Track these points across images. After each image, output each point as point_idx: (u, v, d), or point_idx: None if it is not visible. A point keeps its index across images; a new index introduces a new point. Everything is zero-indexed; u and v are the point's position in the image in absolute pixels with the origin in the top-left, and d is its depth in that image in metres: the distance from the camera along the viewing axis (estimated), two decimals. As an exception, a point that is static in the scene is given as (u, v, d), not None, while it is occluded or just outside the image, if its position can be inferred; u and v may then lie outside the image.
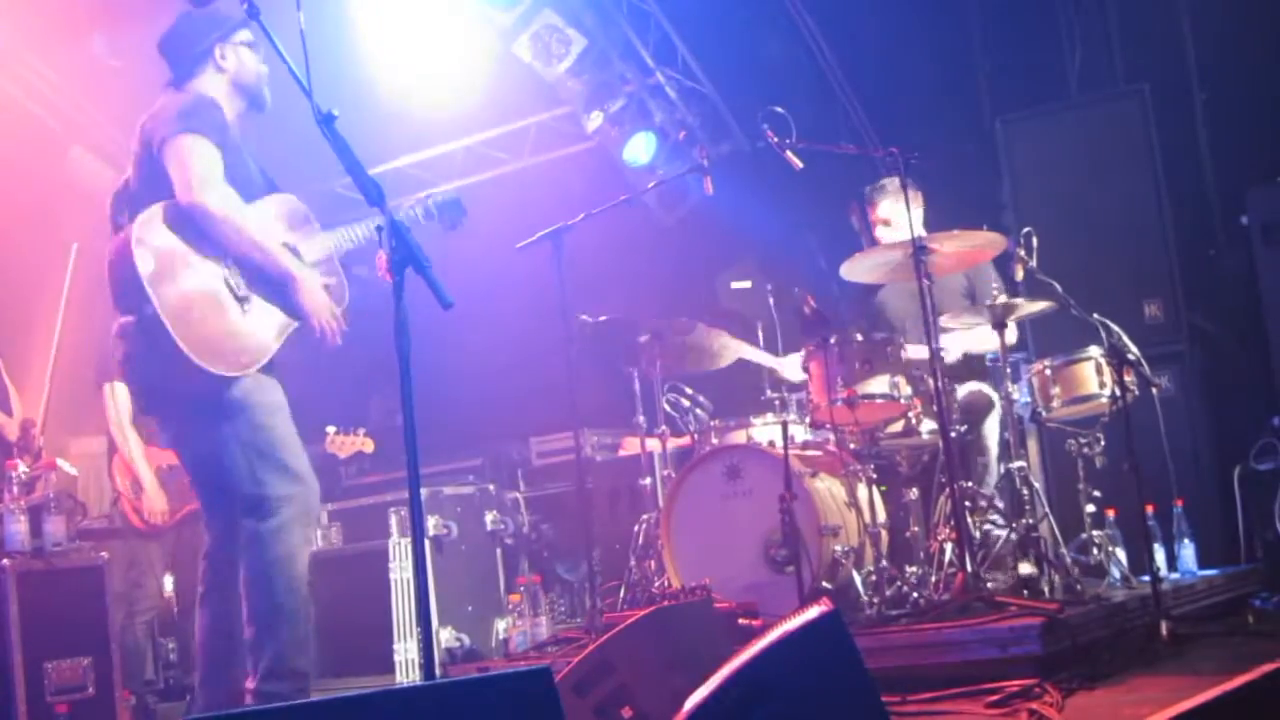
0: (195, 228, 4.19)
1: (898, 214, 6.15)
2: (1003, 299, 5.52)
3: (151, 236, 4.15)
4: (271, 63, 3.70)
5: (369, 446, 6.75)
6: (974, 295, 6.12)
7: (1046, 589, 5.07)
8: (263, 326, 4.33)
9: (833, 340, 5.54)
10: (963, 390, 5.85)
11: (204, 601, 4.48)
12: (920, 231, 5.37)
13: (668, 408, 6.38)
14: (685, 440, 6.64)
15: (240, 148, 4.43)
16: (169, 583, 6.75)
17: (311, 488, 4.46)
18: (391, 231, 3.31)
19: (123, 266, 4.11)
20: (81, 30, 7.35)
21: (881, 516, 5.54)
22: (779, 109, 5.53)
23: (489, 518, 7.06)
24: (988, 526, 5.49)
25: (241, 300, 4.26)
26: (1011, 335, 5.87)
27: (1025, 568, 5.17)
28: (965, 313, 5.70)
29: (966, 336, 5.96)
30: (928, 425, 5.57)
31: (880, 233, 6.20)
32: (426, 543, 3.98)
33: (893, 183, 6.18)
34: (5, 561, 5.24)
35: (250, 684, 4.28)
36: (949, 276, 5.97)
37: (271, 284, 4.32)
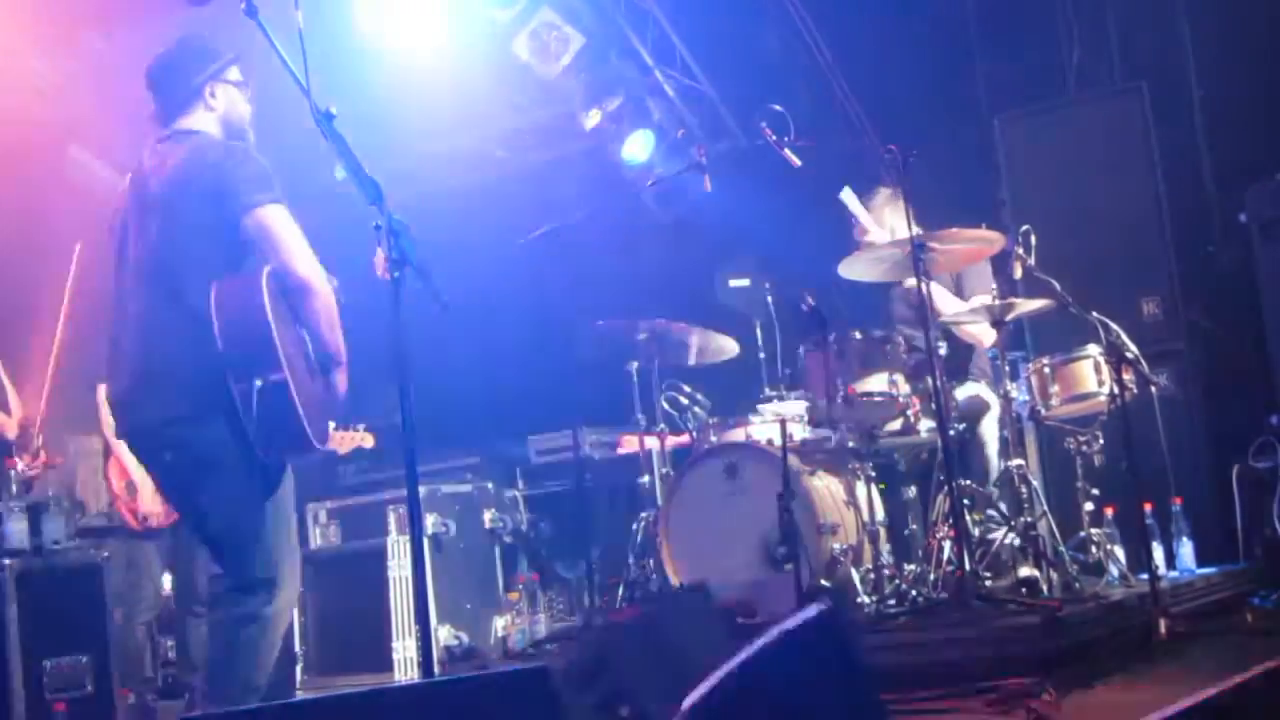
0: (295, 298, 4.13)
1: (871, 225, 6.16)
2: (995, 298, 5.52)
3: (273, 300, 4.05)
4: (270, 61, 3.69)
5: (369, 441, 6.73)
6: (961, 292, 6.12)
7: (1045, 587, 5.07)
8: (321, 400, 4.26)
9: (831, 338, 5.55)
10: (961, 394, 5.85)
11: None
12: (905, 234, 5.35)
13: (666, 406, 6.39)
14: (684, 438, 6.64)
15: None
16: (167, 581, 6.74)
17: (299, 577, 4.41)
18: (389, 231, 3.31)
19: (253, 328, 3.98)
20: (81, 29, 7.35)
21: (880, 515, 5.55)
22: (777, 107, 5.54)
23: (487, 516, 7.06)
24: (986, 525, 5.49)
25: (312, 371, 4.22)
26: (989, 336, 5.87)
27: (1024, 566, 5.18)
28: (963, 312, 5.70)
29: (944, 295, 5.94)
30: (926, 423, 5.58)
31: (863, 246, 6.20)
32: (425, 541, 3.96)
33: (873, 204, 6.19)
34: (5, 560, 5.24)
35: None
36: (936, 275, 5.97)
37: (324, 359, 4.25)
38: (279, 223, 4.13)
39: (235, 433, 4.02)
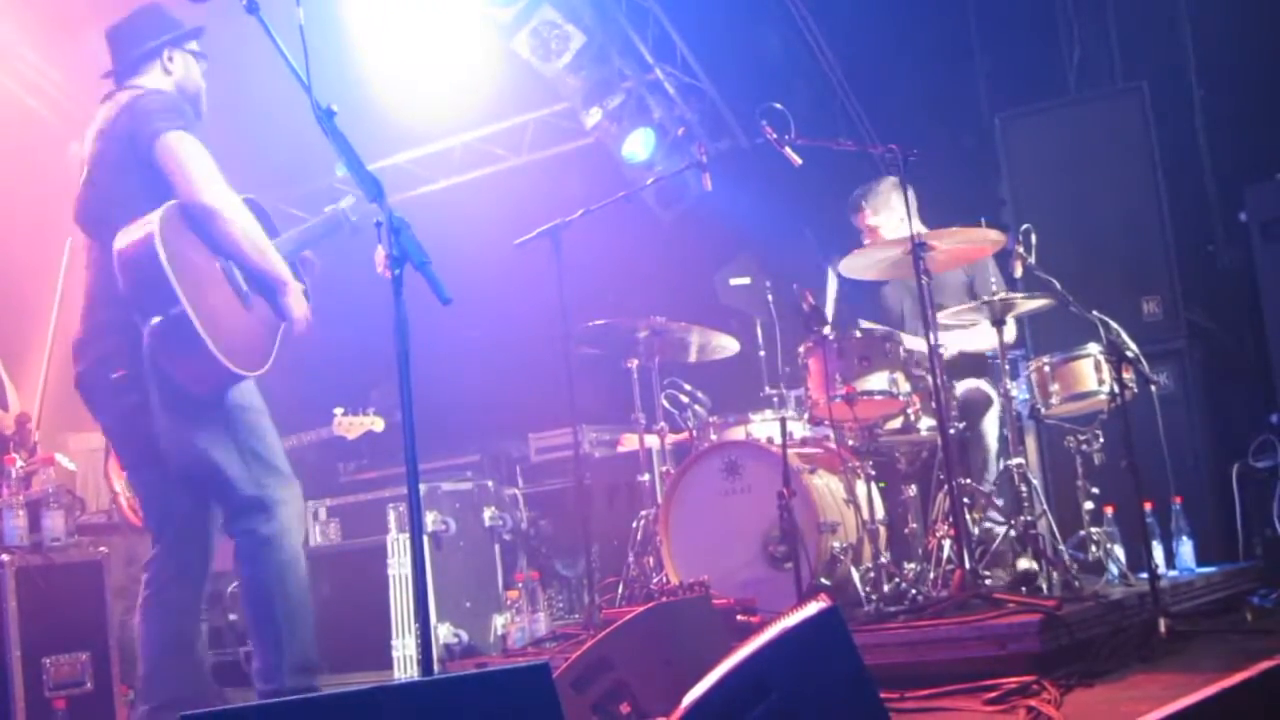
0: (203, 227, 4.17)
1: (882, 223, 6.18)
2: (1001, 294, 5.53)
3: (170, 236, 4.10)
4: (270, 59, 3.69)
5: (379, 425, 6.70)
6: (974, 291, 6.12)
7: (1045, 586, 5.07)
8: (263, 323, 4.34)
9: (831, 336, 5.55)
10: (961, 387, 5.86)
11: (148, 611, 4.43)
12: (919, 229, 5.36)
13: (666, 404, 6.39)
14: (684, 436, 6.64)
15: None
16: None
17: (299, 488, 4.50)
18: (390, 228, 3.31)
19: (146, 267, 4.04)
20: (79, 25, 7.34)
21: (880, 513, 5.54)
22: (778, 105, 5.53)
23: (487, 514, 7.06)
24: (986, 523, 5.50)
25: (244, 297, 4.26)
26: (1011, 333, 5.87)
27: (1023, 564, 5.18)
28: (965, 310, 5.70)
29: (963, 335, 5.97)
30: (926, 422, 5.58)
31: (867, 242, 6.21)
32: (425, 539, 3.97)
33: (874, 194, 6.20)
34: (4, 557, 5.24)
35: (267, 684, 4.30)
36: (949, 272, 5.98)
37: (264, 285, 4.32)
38: (181, 149, 4.16)
39: (155, 369, 4.11)
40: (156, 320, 4.04)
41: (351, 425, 6.65)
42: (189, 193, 4.14)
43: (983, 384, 5.95)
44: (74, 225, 4.49)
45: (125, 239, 4.12)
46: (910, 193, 5.41)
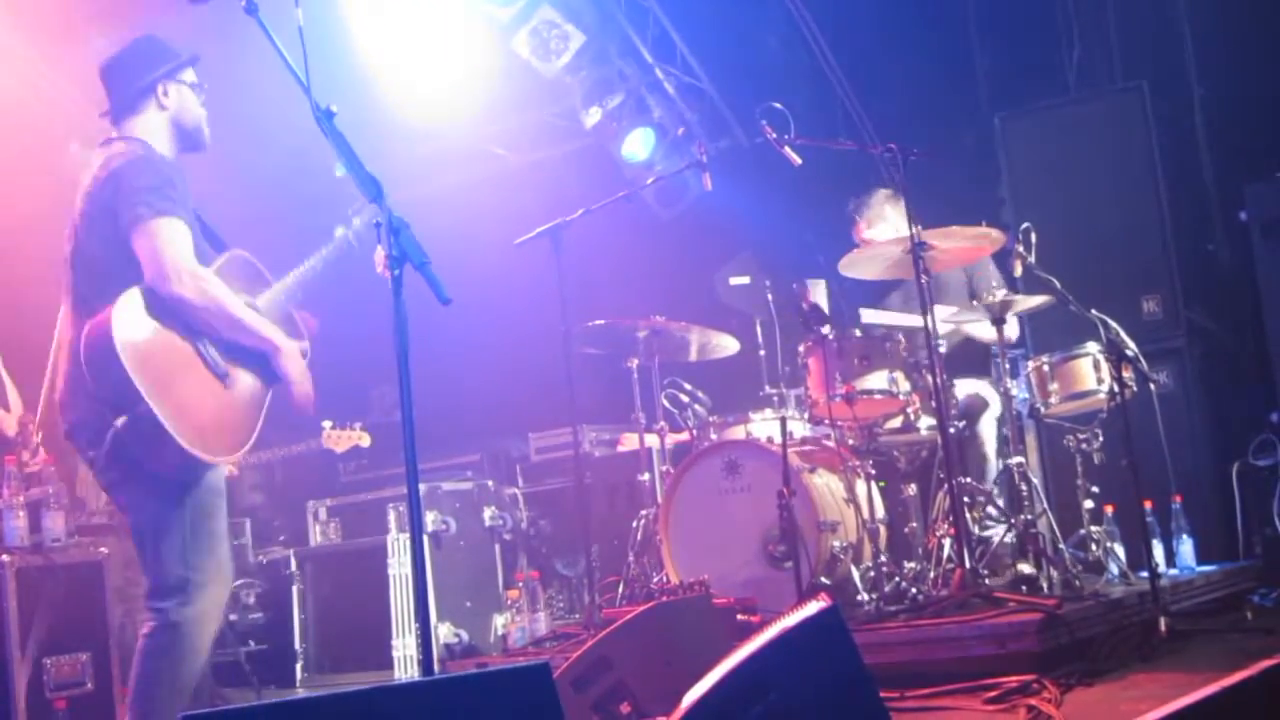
0: (174, 315, 4.08)
1: (876, 236, 6.18)
2: (1002, 294, 5.53)
3: (133, 327, 4.01)
4: (270, 59, 3.69)
5: (365, 440, 6.73)
6: (974, 290, 6.13)
7: (1045, 585, 5.08)
8: (244, 400, 4.22)
9: (831, 336, 5.55)
10: (961, 391, 5.85)
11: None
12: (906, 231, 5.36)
13: (666, 403, 6.39)
14: (684, 436, 6.64)
15: (193, 209, 4.32)
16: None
17: (230, 574, 4.39)
18: (390, 228, 3.31)
19: (106, 363, 3.95)
20: (81, 27, 7.34)
21: (880, 512, 5.55)
22: (777, 105, 5.53)
23: (487, 514, 7.07)
24: (986, 523, 5.50)
25: (222, 376, 4.14)
26: (1013, 330, 5.87)
27: (1023, 564, 5.19)
28: (965, 309, 5.71)
29: (970, 326, 5.97)
30: (926, 421, 5.58)
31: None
32: (425, 539, 3.96)
33: (868, 207, 6.21)
34: (4, 557, 5.23)
35: None
36: (949, 272, 5.98)
37: (246, 356, 4.22)
38: (160, 237, 4.06)
39: (146, 462, 4.02)
40: (121, 420, 3.96)
41: (340, 439, 6.65)
42: (158, 281, 4.02)
43: (981, 390, 5.95)
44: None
45: (89, 334, 4.02)
46: (903, 201, 5.41)
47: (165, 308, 4.06)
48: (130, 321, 4.01)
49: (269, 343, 4.23)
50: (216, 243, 4.42)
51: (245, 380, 4.23)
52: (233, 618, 6.94)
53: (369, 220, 4.22)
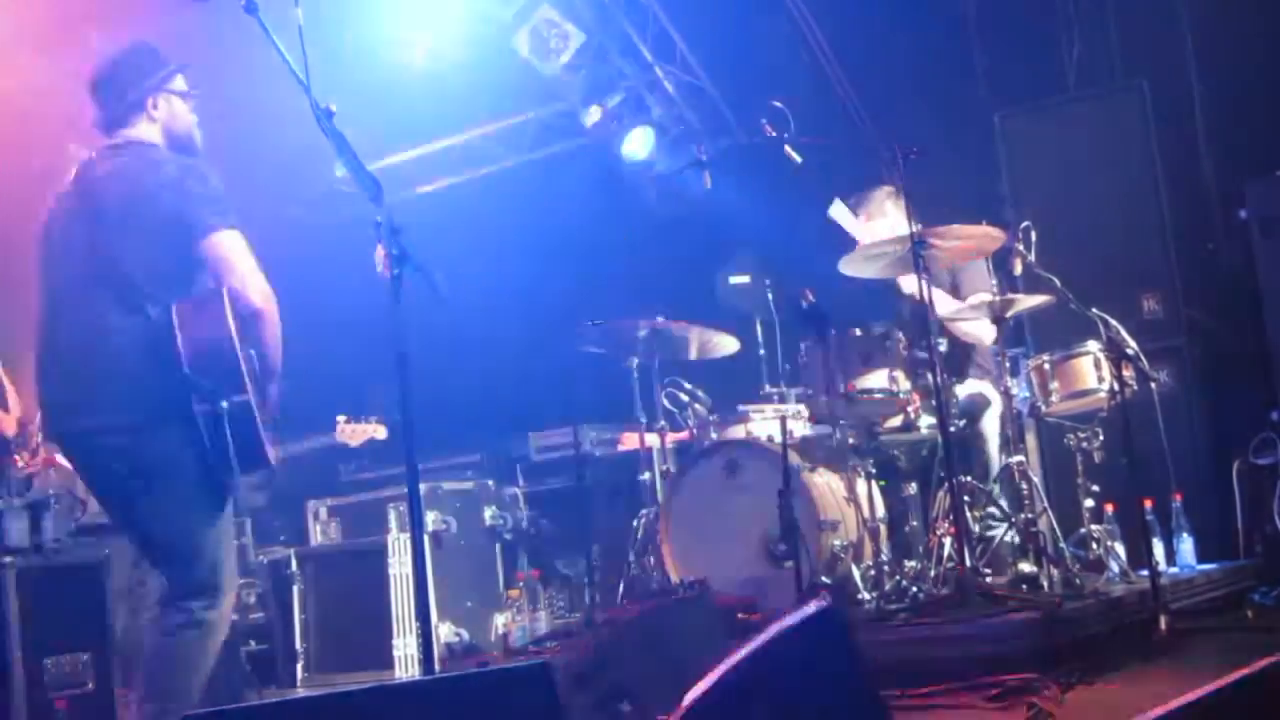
0: (245, 322, 4.17)
1: (875, 229, 6.17)
2: (996, 295, 5.52)
3: (235, 325, 4.12)
4: (270, 59, 3.69)
5: (381, 433, 6.71)
6: (958, 289, 6.12)
7: (1045, 584, 5.07)
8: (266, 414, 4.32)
9: (831, 335, 5.55)
10: (962, 391, 5.85)
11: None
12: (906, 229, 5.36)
13: (667, 403, 6.39)
14: (684, 435, 6.64)
15: None
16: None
17: (236, 584, 4.51)
18: (389, 228, 3.31)
19: (220, 351, 4.04)
20: (79, 26, 7.34)
21: (880, 511, 5.55)
22: (778, 103, 5.53)
23: (488, 513, 7.07)
24: (987, 521, 5.50)
25: (258, 391, 4.26)
26: (988, 332, 5.86)
27: (1024, 563, 5.18)
28: (964, 308, 5.70)
29: (942, 298, 5.95)
30: (926, 420, 5.58)
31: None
32: (425, 538, 3.96)
33: (868, 201, 6.20)
34: (5, 558, 5.24)
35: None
36: (938, 272, 5.98)
37: (268, 376, 4.30)
38: (235, 249, 4.16)
39: (189, 448, 4.04)
40: (225, 405, 4.02)
41: (355, 432, 6.65)
42: (241, 293, 4.14)
43: (983, 389, 5.95)
44: (39, 258, 4.43)
45: (192, 318, 4.07)
46: (904, 198, 5.41)
47: (237, 312, 4.14)
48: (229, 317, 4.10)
49: (279, 367, 4.32)
50: None
51: (259, 395, 4.30)
52: (234, 617, 6.93)
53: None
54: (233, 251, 4.17)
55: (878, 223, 6.24)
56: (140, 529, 4.32)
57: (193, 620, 4.17)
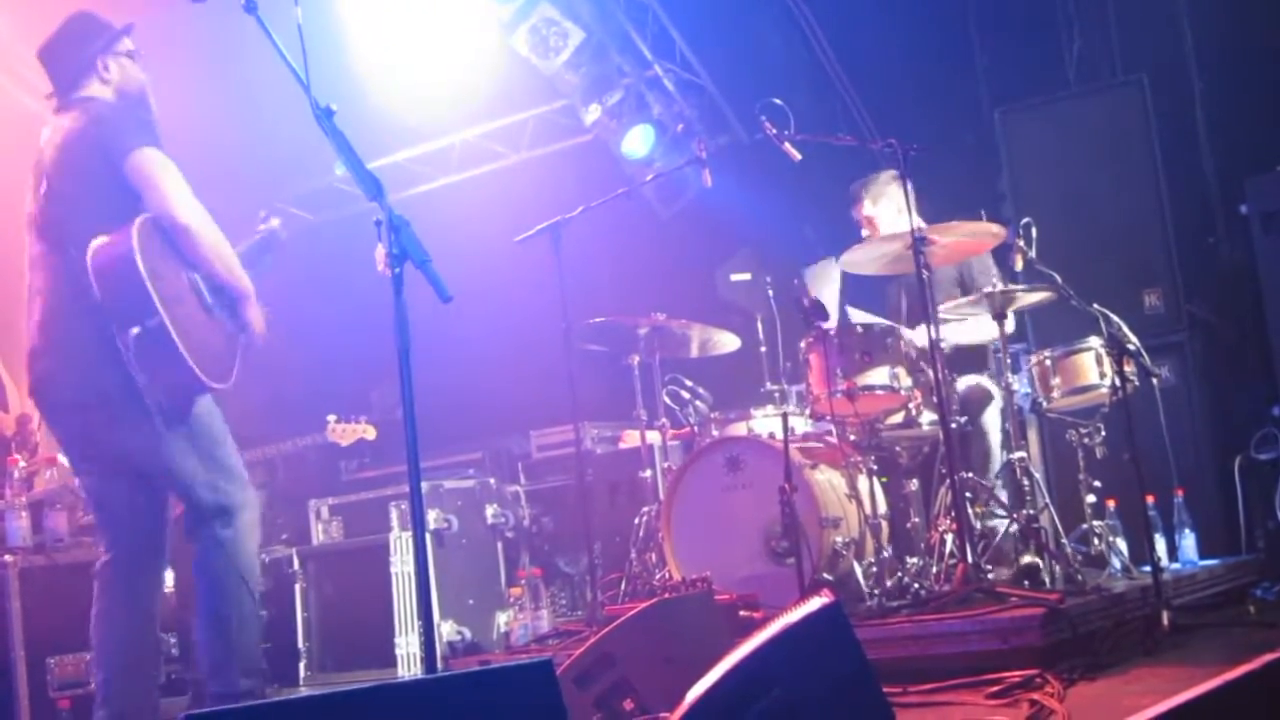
0: (175, 242, 4.23)
1: (879, 214, 6.18)
2: (1000, 288, 5.52)
3: (147, 248, 4.15)
4: (270, 59, 3.70)
5: (371, 433, 6.74)
6: (965, 286, 6.13)
7: (1047, 579, 5.07)
8: (225, 335, 4.43)
9: (832, 331, 5.55)
10: (962, 383, 5.86)
11: (108, 620, 4.48)
12: (919, 223, 5.36)
13: (668, 400, 6.39)
14: (685, 432, 6.64)
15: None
16: (169, 578, 6.74)
17: (254, 494, 4.59)
18: (390, 226, 3.31)
19: (125, 278, 4.08)
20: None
21: (882, 508, 5.54)
22: (777, 101, 5.52)
23: (489, 511, 7.07)
24: (989, 518, 5.49)
25: (209, 310, 4.30)
26: (1010, 325, 5.87)
27: (1026, 558, 5.18)
28: (962, 305, 5.70)
29: (958, 328, 5.96)
30: (928, 416, 5.58)
31: (865, 234, 6.21)
32: (427, 537, 3.98)
33: (874, 183, 6.20)
34: (7, 558, 5.24)
35: (220, 686, 4.35)
36: (941, 268, 5.97)
37: (227, 298, 4.38)
38: (155, 165, 4.21)
39: (127, 380, 4.13)
40: (135, 331, 4.07)
41: (345, 432, 6.67)
42: (163, 208, 4.17)
43: (984, 380, 5.95)
44: (28, 233, 4.49)
45: (102, 250, 4.14)
46: (910, 187, 5.41)
47: (168, 237, 4.18)
48: (144, 242, 4.13)
49: (243, 287, 4.40)
50: None
51: (225, 320, 4.39)
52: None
53: (293, 225, 4.41)
54: (152, 166, 4.20)
55: (881, 205, 6.24)
56: (139, 477, 4.40)
57: (213, 540, 4.33)
